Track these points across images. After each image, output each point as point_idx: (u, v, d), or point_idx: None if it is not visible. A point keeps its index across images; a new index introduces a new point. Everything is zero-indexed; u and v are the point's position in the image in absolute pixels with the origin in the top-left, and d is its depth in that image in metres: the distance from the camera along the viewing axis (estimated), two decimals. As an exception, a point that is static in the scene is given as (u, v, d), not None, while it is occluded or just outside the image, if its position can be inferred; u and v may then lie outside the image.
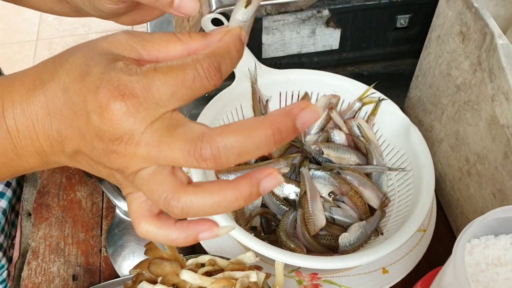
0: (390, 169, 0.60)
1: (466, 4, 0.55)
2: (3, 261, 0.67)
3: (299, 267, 0.55)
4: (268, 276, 0.49)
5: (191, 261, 0.50)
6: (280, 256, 0.48)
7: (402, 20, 0.77)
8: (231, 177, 0.58)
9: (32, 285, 0.57)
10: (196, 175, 0.53)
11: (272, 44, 0.75)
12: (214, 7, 0.69)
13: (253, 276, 0.46)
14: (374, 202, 0.58)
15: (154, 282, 0.48)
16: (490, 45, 0.51)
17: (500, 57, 0.49)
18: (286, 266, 0.50)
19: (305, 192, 0.56)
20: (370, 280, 0.55)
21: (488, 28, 0.51)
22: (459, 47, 0.58)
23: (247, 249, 0.50)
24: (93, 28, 2.45)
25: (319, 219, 0.55)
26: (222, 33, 0.31)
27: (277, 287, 0.48)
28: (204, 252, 0.54)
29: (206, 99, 0.75)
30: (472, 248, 0.40)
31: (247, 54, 0.62)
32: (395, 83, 0.81)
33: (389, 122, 0.62)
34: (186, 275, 0.46)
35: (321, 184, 0.57)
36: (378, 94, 0.62)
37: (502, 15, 0.63)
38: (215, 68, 0.29)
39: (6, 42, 2.42)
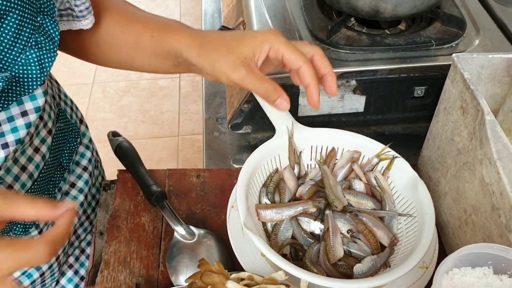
0: (400, 214, 0.72)
1: (465, 85, 0.69)
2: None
3: (320, 290, 0.67)
4: (294, 292, 0.61)
5: (233, 275, 0.63)
6: (305, 276, 0.60)
7: (419, 91, 0.91)
8: (269, 212, 0.71)
9: (104, 288, 0.71)
10: (241, 211, 0.66)
11: (307, 105, 0.90)
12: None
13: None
14: (385, 241, 0.70)
15: (205, 289, 0.61)
16: (481, 119, 0.64)
17: (487, 130, 0.62)
18: (309, 285, 0.63)
19: (328, 228, 0.69)
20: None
21: (480, 106, 0.65)
22: (460, 118, 0.71)
23: (279, 269, 0.63)
24: (145, 75, 2.68)
25: (338, 251, 0.67)
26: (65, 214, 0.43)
27: (302, 299, 0.60)
28: (243, 270, 0.67)
29: (250, 146, 0.90)
30: (453, 275, 0.52)
31: (286, 114, 0.77)
32: (412, 143, 0.94)
33: (400, 176, 0.75)
34: (231, 285, 0.59)
35: (341, 222, 0.70)
36: (392, 152, 0.76)
37: (498, 93, 0.76)
38: (52, 254, 0.42)
39: (65, 83, 2.68)
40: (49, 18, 0.56)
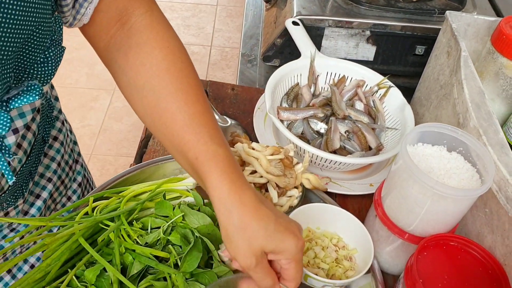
0: (388, 128, 0.93)
1: (452, 34, 0.89)
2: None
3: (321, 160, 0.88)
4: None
5: (255, 145, 0.84)
6: (309, 148, 0.81)
7: (420, 49, 1.11)
8: (287, 113, 0.92)
9: (154, 150, 0.93)
10: (268, 102, 0.87)
11: (328, 48, 1.11)
12: (295, 14, 1.06)
13: (291, 150, 0.80)
14: (373, 144, 0.91)
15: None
16: (459, 56, 0.84)
17: (461, 61, 0.82)
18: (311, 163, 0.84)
19: (330, 128, 0.90)
20: (361, 189, 0.87)
21: (459, 47, 0.85)
22: (445, 61, 0.92)
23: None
24: (180, 39, 2.88)
25: (335, 143, 0.88)
26: None
27: (305, 164, 0.81)
28: (263, 146, 0.88)
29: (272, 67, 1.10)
30: (417, 147, 0.72)
31: (311, 44, 0.98)
32: (408, 97, 1.15)
33: (393, 101, 0.95)
34: (256, 144, 0.80)
35: (341, 125, 0.91)
36: (389, 83, 0.96)
37: (479, 49, 0.96)
38: None
39: (87, 86, 2.67)
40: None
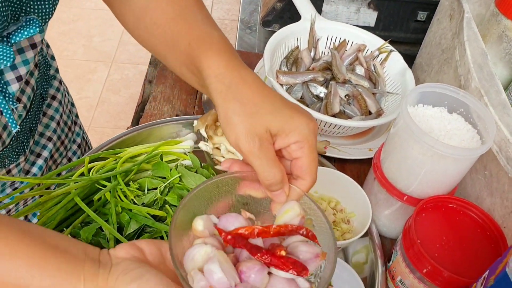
0: (388, 92, 0.92)
1: (455, -4, 0.87)
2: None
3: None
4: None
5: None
6: (310, 110, 0.80)
7: (422, 15, 1.09)
8: (286, 77, 0.91)
9: (151, 114, 0.92)
10: (267, 66, 0.86)
11: (329, 13, 1.09)
12: None
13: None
14: (373, 109, 0.90)
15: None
16: (462, 17, 0.83)
17: (464, 23, 0.80)
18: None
19: (330, 91, 0.89)
20: (360, 154, 0.87)
21: (463, 8, 0.83)
22: (447, 25, 0.90)
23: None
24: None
25: (335, 107, 0.87)
26: None
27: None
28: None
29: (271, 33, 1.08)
30: (418, 108, 0.71)
31: (311, 6, 0.96)
32: (410, 63, 1.13)
33: (394, 66, 0.94)
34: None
35: (341, 89, 0.90)
36: (390, 48, 0.95)
37: (483, 13, 0.94)
38: None
39: (84, 58, 2.62)
40: None
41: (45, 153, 0.79)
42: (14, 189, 0.75)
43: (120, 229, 0.68)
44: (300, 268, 0.44)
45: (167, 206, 0.69)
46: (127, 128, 0.86)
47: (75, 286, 0.42)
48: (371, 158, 0.84)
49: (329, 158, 0.86)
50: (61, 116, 0.83)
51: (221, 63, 0.50)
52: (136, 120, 0.93)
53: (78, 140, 0.90)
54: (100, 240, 0.66)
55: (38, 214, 0.67)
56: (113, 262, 0.44)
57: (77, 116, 0.91)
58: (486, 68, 0.73)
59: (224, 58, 0.51)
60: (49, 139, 0.80)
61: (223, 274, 0.42)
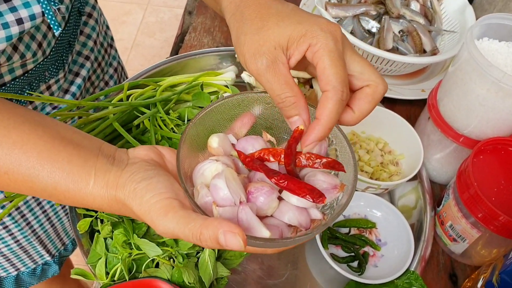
0: (445, 30, 0.85)
1: None
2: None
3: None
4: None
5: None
6: (362, 45, 0.75)
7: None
8: (336, 9, 0.85)
9: (190, 45, 0.88)
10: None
11: None
12: None
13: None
14: (428, 48, 0.83)
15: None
16: None
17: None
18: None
19: (383, 26, 0.83)
20: (412, 94, 0.81)
21: None
22: (518, -44, 0.82)
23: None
24: None
25: (388, 43, 0.81)
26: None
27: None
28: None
29: None
30: (482, 42, 0.65)
31: None
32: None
33: (452, 2, 0.87)
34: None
35: (395, 25, 0.83)
36: (450, -19, 0.87)
37: None
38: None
39: (119, 0, 2.53)
40: None
41: (83, 72, 0.78)
42: (53, 108, 0.74)
43: (159, 157, 0.65)
44: (317, 195, 0.40)
45: (208, 136, 0.66)
46: (166, 58, 0.82)
47: (85, 180, 0.41)
48: (424, 100, 0.78)
49: (378, 98, 0.81)
50: (97, 35, 0.80)
51: None
52: (175, 51, 0.89)
53: (115, 63, 0.88)
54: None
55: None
56: (130, 161, 0.43)
57: (112, 39, 0.89)
58: None
59: None
60: (87, 58, 0.79)
61: (228, 190, 0.39)
